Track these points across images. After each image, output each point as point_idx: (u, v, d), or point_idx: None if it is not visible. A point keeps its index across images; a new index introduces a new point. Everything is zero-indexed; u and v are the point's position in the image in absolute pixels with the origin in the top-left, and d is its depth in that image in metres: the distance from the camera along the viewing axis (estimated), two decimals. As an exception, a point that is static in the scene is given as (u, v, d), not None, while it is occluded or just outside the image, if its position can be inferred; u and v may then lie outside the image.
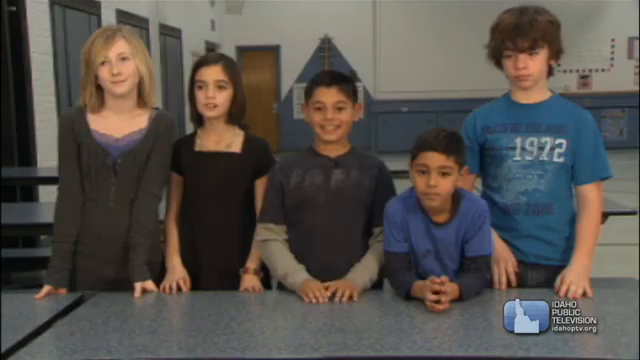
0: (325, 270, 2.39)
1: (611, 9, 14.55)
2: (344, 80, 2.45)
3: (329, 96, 2.39)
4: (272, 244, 2.44)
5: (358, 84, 14.13)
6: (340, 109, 2.40)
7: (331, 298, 2.23)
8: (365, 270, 2.36)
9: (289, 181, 2.45)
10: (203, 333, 1.96)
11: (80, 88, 2.45)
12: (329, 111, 2.39)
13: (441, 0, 14.51)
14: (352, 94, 2.44)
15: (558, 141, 2.40)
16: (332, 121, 2.39)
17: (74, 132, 2.43)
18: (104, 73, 2.37)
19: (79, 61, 2.46)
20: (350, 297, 2.23)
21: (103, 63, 2.37)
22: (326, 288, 2.25)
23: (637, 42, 14.50)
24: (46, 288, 2.37)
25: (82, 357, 1.82)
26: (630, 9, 14.14)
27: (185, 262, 2.54)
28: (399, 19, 14.71)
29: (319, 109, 2.41)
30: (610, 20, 14.56)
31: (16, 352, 1.84)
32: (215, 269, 2.54)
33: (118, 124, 2.45)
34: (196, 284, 2.51)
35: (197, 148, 2.58)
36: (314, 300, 2.22)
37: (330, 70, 2.77)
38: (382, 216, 2.42)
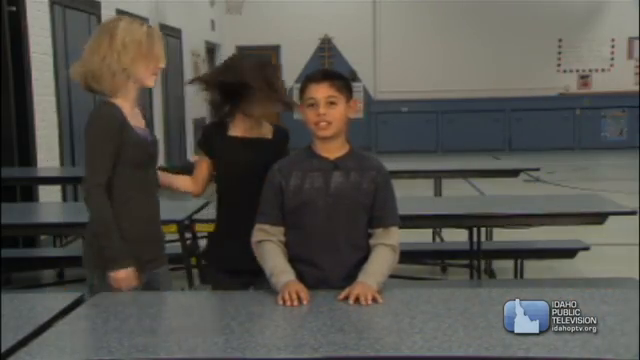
0: (324, 272, 2.39)
1: (611, 9, 14.55)
2: (336, 76, 2.46)
3: (320, 91, 2.41)
4: (265, 245, 2.44)
5: (358, 84, 14.12)
6: (332, 104, 2.40)
7: (356, 302, 2.21)
8: (376, 271, 2.35)
9: (288, 183, 2.45)
10: (203, 333, 1.96)
11: (105, 73, 2.44)
12: (321, 106, 2.40)
13: (441, 0, 14.52)
14: (345, 89, 2.44)
15: None
16: (324, 116, 2.40)
17: (121, 131, 2.46)
18: (151, 69, 2.51)
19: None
20: (373, 299, 2.22)
21: (159, 61, 2.52)
22: (346, 295, 2.23)
23: (637, 42, 14.50)
24: (130, 269, 2.44)
25: (82, 357, 1.82)
26: (630, 9, 14.14)
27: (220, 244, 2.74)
28: (399, 19, 14.71)
29: (312, 105, 2.42)
30: (610, 20, 14.56)
31: (16, 352, 1.84)
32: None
33: (134, 117, 2.56)
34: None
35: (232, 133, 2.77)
36: (288, 303, 2.21)
37: (323, 68, 2.81)
38: (382, 217, 2.44)
